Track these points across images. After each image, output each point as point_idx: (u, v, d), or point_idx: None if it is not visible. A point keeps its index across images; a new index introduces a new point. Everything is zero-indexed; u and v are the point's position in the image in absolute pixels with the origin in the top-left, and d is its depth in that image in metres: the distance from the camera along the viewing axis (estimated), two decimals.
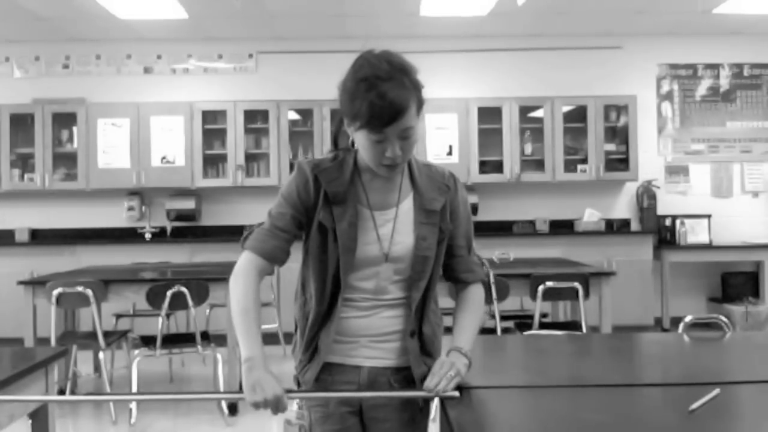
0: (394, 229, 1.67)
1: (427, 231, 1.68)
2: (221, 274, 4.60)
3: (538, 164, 6.90)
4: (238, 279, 1.64)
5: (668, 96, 7.26)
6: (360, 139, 1.57)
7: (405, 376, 1.71)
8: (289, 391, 1.56)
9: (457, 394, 1.56)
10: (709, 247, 6.81)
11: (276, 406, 1.49)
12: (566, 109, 6.92)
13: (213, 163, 6.88)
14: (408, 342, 1.69)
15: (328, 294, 1.67)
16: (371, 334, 1.69)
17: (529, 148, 6.92)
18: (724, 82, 7.26)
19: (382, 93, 1.49)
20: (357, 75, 1.54)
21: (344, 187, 1.65)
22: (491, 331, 4.10)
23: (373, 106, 1.49)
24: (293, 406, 1.77)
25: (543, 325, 4.15)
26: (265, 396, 1.48)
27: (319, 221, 1.65)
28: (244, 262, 1.67)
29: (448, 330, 1.77)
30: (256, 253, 1.66)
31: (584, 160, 6.91)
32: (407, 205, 1.69)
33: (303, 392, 1.73)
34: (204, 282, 4.25)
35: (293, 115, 6.95)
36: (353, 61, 1.60)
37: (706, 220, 6.85)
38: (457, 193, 1.74)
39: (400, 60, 1.57)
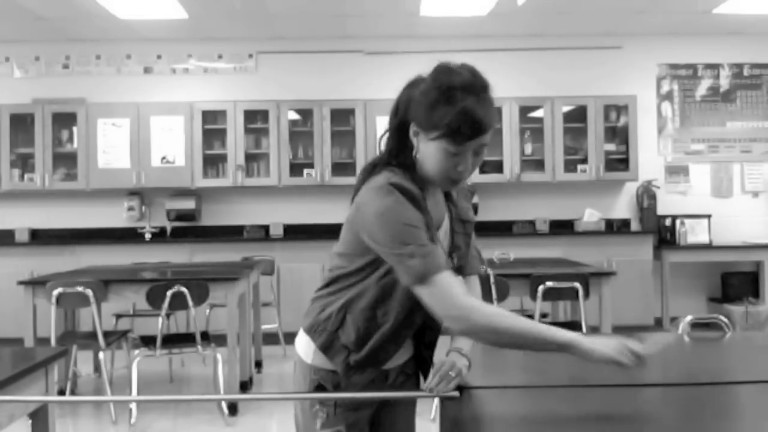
0: (450, 243, 1.70)
1: (462, 241, 1.72)
2: (221, 274, 4.61)
3: (538, 164, 6.90)
4: (479, 304, 1.49)
5: (668, 96, 7.26)
6: (432, 149, 1.52)
7: (413, 364, 1.76)
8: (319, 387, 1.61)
9: (456, 393, 1.57)
10: (709, 247, 6.81)
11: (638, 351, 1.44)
12: (566, 109, 6.92)
13: (213, 163, 6.88)
14: (419, 338, 1.74)
15: (402, 319, 1.63)
16: (395, 345, 1.71)
17: (529, 148, 6.92)
18: (724, 82, 7.25)
19: (471, 106, 1.47)
20: (442, 84, 1.50)
21: (439, 214, 1.64)
22: None
23: (462, 117, 1.46)
24: (317, 420, 1.67)
25: None
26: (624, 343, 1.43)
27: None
28: (455, 285, 1.49)
29: None
30: (447, 269, 1.51)
31: (584, 160, 6.91)
32: (446, 219, 1.71)
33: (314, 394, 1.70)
34: (204, 282, 4.25)
35: (293, 115, 6.94)
36: (434, 69, 1.55)
37: (706, 220, 6.85)
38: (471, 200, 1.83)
39: (483, 76, 1.55)
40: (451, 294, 1.46)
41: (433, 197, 1.65)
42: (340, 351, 1.64)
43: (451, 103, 1.47)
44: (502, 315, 1.47)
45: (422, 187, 1.58)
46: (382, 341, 1.63)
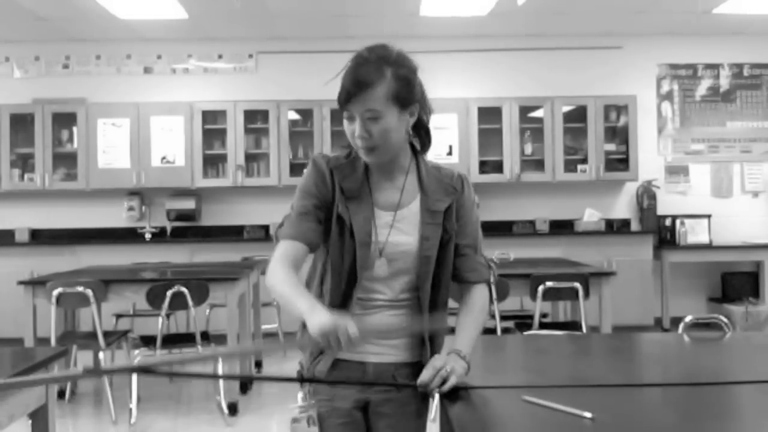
0: (392, 227, 1.70)
1: (431, 231, 1.71)
2: (221, 274, 4.61)
3: (538, 164, 6.90)
4: (276, 267, 1.63)
5: (668, 96, 7.26)
6: (343, 124, 1.66)
7: (409, 372, 1.72)
8: (301, 380, 1.67)
9: (445, 389, 1.57)
10: (709, 247, 6.81)
11: (346, 335, 1.40)
12: (566, 109, 6.92)
13: (213, 163, 6.88)
14: (412, 339, 1.74)
15: (342, 288, 1.68)
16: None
17: (529, 148, 6.92)
18: (724, 82, 7.26)
19: (345, 74, 1.63)
20: (351, 58, 1.67)
21: (358, 183, 1.70)
22: (491, 331, 4.10)
23: (344, 80, 1.62)
24: (297, 401, 1.76)
25: (543, 325, 4.15)
26: (336, 326, 1.41)
27: (338, 214, 1.68)
28: (280, 251, 1.66)
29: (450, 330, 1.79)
30: (291, 239, 1.67)
31: (584, 160, 6.91)
32: (414, 206, 1.73)
33: (310, 380, 1.74)
34: (204, 282, 4.25)
35: (293, 115, 6.95)
36: None
37: (706, 220, 6.85)
38: (464, 194, 1.78)
39: (388, 51, 1.66)
40: (274, 256, 1.66)
41: (390, 181, 1.73)
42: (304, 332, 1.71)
43: (344, 73, 1.65)
44: (280, 282, 1.59)
45: (374, 169, 1.71)
46: (320, 296, 1.70)
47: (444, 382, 1.57)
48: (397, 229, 1.70)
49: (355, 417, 1.71)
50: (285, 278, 1.60)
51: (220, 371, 4.32)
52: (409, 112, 1.66)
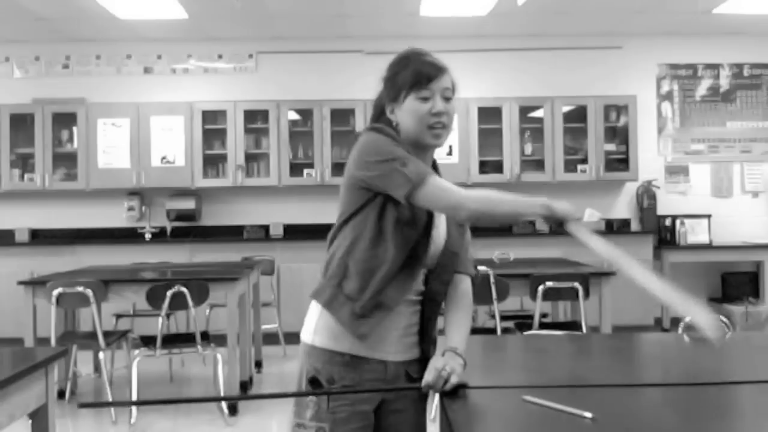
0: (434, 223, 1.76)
1: (455, 229, 1.80)
2: (221, 274, 4.61)
3: (538, 164, 6.90)
4: (460, 190, 1.61)
5: (668, 96, 7.26)
6: (406, 108, 1.69)
7: (419, 368, 1.75)
8: (313, 391, 1.64)
9: (448, 388, 1.58)
10: (709, 247, 6.81)
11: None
12: (566, 109, 6.92)
13: (213, 163, 6.88)
14: (417, 335, 1.77)
15: (401, 259, 1.68)
16: (397, 327, 1.73)
17: (529, 148, 6.92)
18: (724, 82, 7.26)
19: (423, 58, 1.72)
20: (397, 59, 1.76)
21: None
22: (491, 331, 4.10)
23: (418, 66, 1.70)
24: (308, 409, 1.69)
25: (543, 325, 4.15)
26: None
27: None
28: (442, 182, 1.62)
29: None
30: (429, 174, 1.62)
31: (584, 160, 6.91)
32: None
33: (321, 392, 1.70)
34: (204, 282, 4.25)
35: (293, 115, 6.95)
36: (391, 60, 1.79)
37: (706, 220, 6.85)
38: None
39: None
40: (447, 188, 1.61)
41: None
42: (344, 303, 1.68)
43: (406, 65, 1.72)
44: (488, 198, 1.63)
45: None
46: (384, 282, 1.66)
47: (445, 381, 1.58)
48: (435, 225, 1.75)
49: (371, 419, 1.71)
50: (487, 194, 1.63)
51: (220, 374, 4.32)
52: None
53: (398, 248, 1.67)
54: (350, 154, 1.73)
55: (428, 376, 1.59)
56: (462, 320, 1.78)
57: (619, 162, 6.96)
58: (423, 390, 1.61)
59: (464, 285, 1.83)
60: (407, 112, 1.69)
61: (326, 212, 6.88)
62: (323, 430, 1.67)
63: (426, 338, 1.78)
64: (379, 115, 1.79)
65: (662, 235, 6.97)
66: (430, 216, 1.71)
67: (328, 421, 1.66)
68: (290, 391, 1.76)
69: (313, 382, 1.70)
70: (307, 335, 1.74)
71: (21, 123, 6.81)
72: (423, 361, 1.76)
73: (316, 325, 1.73)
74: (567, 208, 1.75)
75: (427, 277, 1.76)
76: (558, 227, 1.75)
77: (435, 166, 1.81)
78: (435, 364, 1.62)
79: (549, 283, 4.08)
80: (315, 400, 1.68)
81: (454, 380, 1.59)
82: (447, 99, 1.70)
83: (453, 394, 1.58)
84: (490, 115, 6.85)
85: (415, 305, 1.76)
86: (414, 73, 1.69)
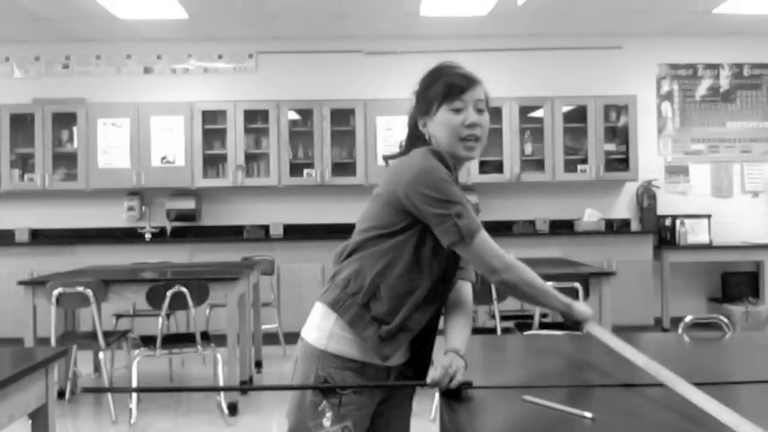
0: None
1: None
2: (221, 274, 4.61)
3: (538, 164, 6.90)
4: (514, 260, 1.69)
5: (668, 96, 7.26)
6: (439, 120, 1.69)
7: (414, 366, 1.81)
8: (328, 388, 1.67)
9: (453, 385, 1.60)
10: (709, 247, 6.81)
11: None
12: (566, 109, 6.92)
13: (213, 163, 6.88)
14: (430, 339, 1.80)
15: (434, 286, 1.71)
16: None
17: (529, 148, 6.92)
18: (724, 82, 7.26)
19: (455, 70, 1.72)
20: (428, 72, 1.75)
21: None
22: (491, 331, 4.10)
23: (451, 78, 1.70)
24: (327, 414, 1.68)
25: (543, 325, 4.15)
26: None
27: None
28: (493, 243, 1.70)
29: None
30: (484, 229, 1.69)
31: (584, 160, 6.91)
32: None
33: (323, 386, 1.70)
34: (204, 282, 4.25)
35: (293, 115, 6.95)
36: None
37: (706, 220, 6.85)
38: None
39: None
40: (494, 249, 1.67)
41: None
42: (370, 324, 1.66)
43: (438, 77, 1.71)
44: (521, 276, 1.69)
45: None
46: (414, 308, 1.67)
47: (451, 379, 1.60)
48: None
49: (369, 421, 1.76)
50: (529, 270, 1.71)
51: (220, 374, 4.32)
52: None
53: (433, 277, 1.69)
54: (398, 168, 1.68)
55: (435, 373, 1.60)
56: (463, 323, 1.80)
57: (619, 162, 6.96)
58: (429, 386, 1.62)
59: (465, 290, 1.85)
60: (440, 124, 1.69)
61: (326, 212, 6.89)
62: (348, 429, 1.67)
63: (424, 341, 1.79)
64: (413, 130, 1.77)
65: (662, 235, 6.97)
66: None
67: (351, 418, 1.67)
68: (292, 384, 1.77)
69: (324, 380, 1.70)
70: (319, 340, 1.71)
71: (21, 123, 6.81)
72: (413, 361, 1.80)
73: (330, 332, 1.70)
74: (586, 311, 1.77)
75: None
76: (574, 326, 1.78)
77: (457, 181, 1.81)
78: (442, 361, 1.63)
79: (549, 283, 4.06)
80: (328, 404, 1.67)
81: (459, 377, 1.60)
82: (480, 111, 1.70)
83: (457, 392, 1.59)
84: (490, 114, 6.84)
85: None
86: (446, 85, 1.68)
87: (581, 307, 1.76)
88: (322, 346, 1.70)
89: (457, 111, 1.67)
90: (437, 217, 1.62)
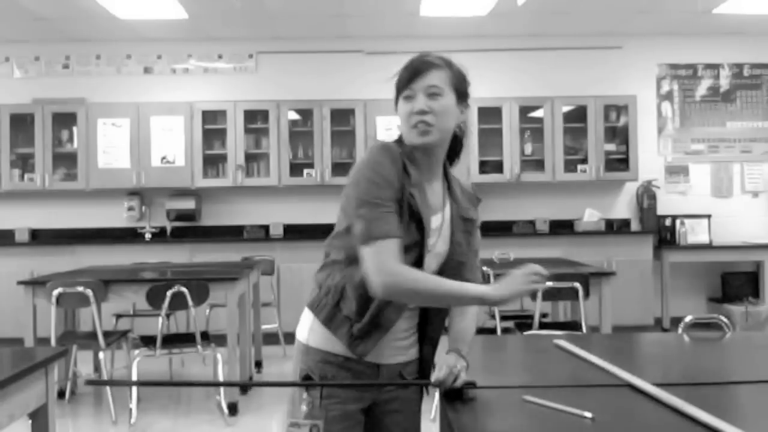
0: (440, 232, 1.74)
1: (462, 238, 1.77)
2: (221, 274, 4.61)
3: (538, 164, 6.90)
4: (402, 269, 1.57)
5: (668, 96, 7.26)
6: (398, 112, 1.69)
7: (414, 369, 1.79)
8: (305, 382, 1.67)
9: (458, 384, 1.60)
10: (709, 247, 6.81)
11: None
12: (566, 109, 6.92)
13: (213, 163, 6.88)
14: (416, 336, 1.78)
15: None
16: (395, 331, 1.72)
17: (529, 148, 6.92)
18: (724, 82, 7.26)
19: (411, 60, 1.69)
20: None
21: (421, 172, 1.70)
22: (491, 331, 4.10)
23: (403, 68, 1.69)
24: (302, 407, 1.72)
25: (543, 325, 4.15)
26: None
27: (409, 203, 1.64)
28: (388, 251, 1.56)
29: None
30: (392, 237, 1.58)
31: (584, 160, 6.91)
32: (447, 212, 1.76)
33: (319, 384, 1.71)
34: (204, 282, 4.25)
35: (293, 115, 6.94)
36: None
37: (706, 220, 6.85)
38: (477, 208, 1.87)
39: (446, 57, 1.75)
40: (384, 260, 1.56)
41: (428, 182, 1.72)
42: (343, 323, 1.68)
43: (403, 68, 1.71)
44: (424, 280, 1.60)
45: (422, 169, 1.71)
46: (381, 306, 1.66)
47: (455, 379, 1.60)
48: (442, 234, 1.74)
49: (360, 418, 1.73)
50: (426, 277, 1.61)
51: (220, 374, 4.32)
52: (463, 107, 1.72)
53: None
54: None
55: (440, 373, 1.60)
56: (467, 325, 1.79)
57: (619, 162, 6.96)
58: (433, 385, 1.62)
59: None
60: (399, 115, 1.70)
61: (326, 212, 6.88)
62: (317, 428, 1.68)
63: (426, 340, 1.78)
64: None
65: (662, 235, 6.97)
66: (422, 236, 1.66)
67: (321, 418, 1.68)
68: (290, 380, 1.77)
69: (306, 380, 1.71)
70: (302, 335, 1.76)
71: (21, 123, 6.81)
72: (420, 362, 1.79)
73: (311, 326, 1.73)
74: (502, 293, 1.60)
75: None
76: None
77: (446, 173, 1.78)
78: (447, 361, 1.64)
79: (549, 283, 4.06)
80: (308, 398, 1.69)
81: (463, 377, 1.61)
82: (433, 96, 1.65)
83: (459, 392, 1.59)
84: (490, 115, 6.85)
85: (413, 310, 1.76)
86: (398, 76, 1.69)
87: (496, 291, 1.60)
88: (304, 340, 1.75)
89: (408, 99, 1.67)
90: (349, 216, 1.63)
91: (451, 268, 1.74)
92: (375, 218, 1.57)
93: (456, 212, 1.76)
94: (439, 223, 1.73)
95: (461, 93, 1.70)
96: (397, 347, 1.75)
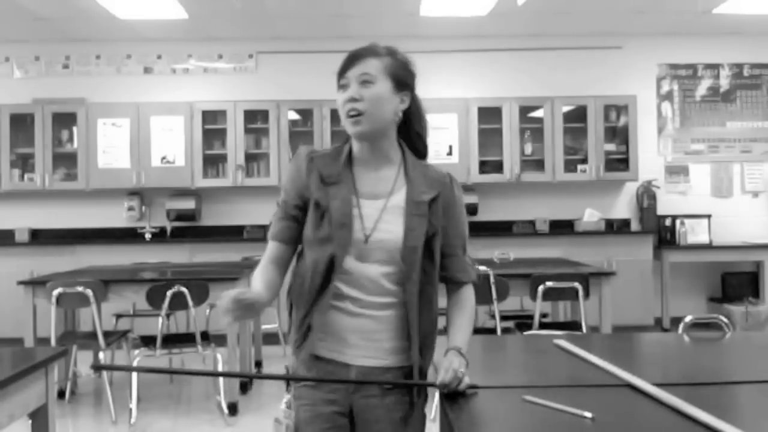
0: (380, 218, 1.69)
1: (416, 222, 1.69)
2: (221, 274, 4.61)
3: (538, 164, 6.90)
4: (257, 268, 1.77)
5: (668, 96, 7.26)
6: (337, 101, 1.72)
7: (399, 376, 1.70)
8: (290, 378, 1.72)
9: (462, 387, 1.59)
10: (709, 247, 6.81)
11: (233, 304, 1.52)
12: (566, 109, 6.92)
13: (213, 163, 6.88)
14: (401, 342, 1.70)
15: (321, 271, 1.68)
16: (360, 331, 1.69)
17: (529, 148, 6.92)
18: (724, 82, 7.26)
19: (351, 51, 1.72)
20: None
21: (338, 170, 1.73)
22: (491, 331, 4.10)
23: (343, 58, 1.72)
24: (281, 405, 1.74)
25: (543, 325, 4.15)
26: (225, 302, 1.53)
27: (315, 200, 1.71)
28: (266, 252, 1.79)
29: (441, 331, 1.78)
30: (272, 239, 1.79)
31: (584, 160, 6.91)
32: (399, 198, 1.72)
33: (303, 378, 1.72)
34: (204, 282, 4.25)
35: (293, 115, 6.95)
36: None
37: (706, 220, 6.85)
38: (453, 192, 1.78)
39: (392, 47, 1.75)
40: (262, 262, 1.77)
41: (375, 171, 1.74)
42: (296, 328, 1.76)
43: None
44: (254, 278, 1.75)
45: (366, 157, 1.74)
46: (309, 306, 1.70)
47: (460, 381, 1.59)
48: (383, 219, 1.69)
49: (339, 422, 1.69)
50: (254, 275, 1.75)
51: (219, 370, 4.32)
52: (403, 95, 1.72)
53: (317, 274, 1.69)
54: None
55: (445, 376, 1.58)
56: (464, 323, 1.77)
57: (619, 162, 6.96)
58: (438, 389, 1.60)
59: (465, 291, 1.80)
60: (337, 105, 1.73)
61: None
62: (290, 428, 1.74)
63: (411, 344, 1.68)
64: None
65: (662, 235, 6.97)
66: (347, 230, 1.67)
67: (293, 419, 1.73)
68: (288, 374, 1.78)
69: (286, 370, 1.78)
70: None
71: (21, 123, 6.81)
72: (407, 369, 1.70)
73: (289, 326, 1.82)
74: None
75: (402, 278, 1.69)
76: None
77: (405, 159, 1.75)
78: (452, 364, 1.61)
79: (549, 283, 4.07)
80: (287, 396, 1.75)
81: (467, 380, 1.59)
82: (365, 84, 1.66)
83: (461, 394, 1.59)
84: (490, 115, 6.85)
85: (387, 309, 1.69)
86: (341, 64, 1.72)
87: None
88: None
89: (343, 88, 1.69)
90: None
91: (408, 255, 1.67)
92: (272, 222, 1.80)
93: (410, 196, 1.71)
94: (378, 208, 1.69)
95: (400, 81, 1.70)
96: (373, 349, 1.69)
